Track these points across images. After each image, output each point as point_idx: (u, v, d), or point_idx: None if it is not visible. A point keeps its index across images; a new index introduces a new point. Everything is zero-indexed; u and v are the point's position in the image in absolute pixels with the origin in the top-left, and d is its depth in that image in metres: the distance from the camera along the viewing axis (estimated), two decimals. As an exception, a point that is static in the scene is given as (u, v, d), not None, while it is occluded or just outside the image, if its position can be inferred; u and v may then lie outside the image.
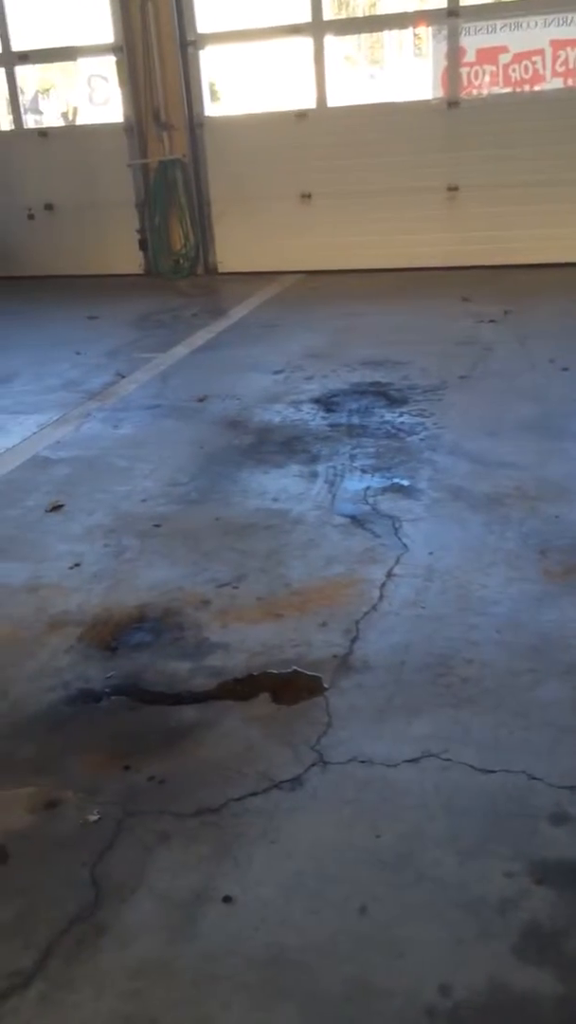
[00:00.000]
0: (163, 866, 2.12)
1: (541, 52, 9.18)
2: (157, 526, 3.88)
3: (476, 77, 9.17)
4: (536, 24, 9.01)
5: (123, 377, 6.17)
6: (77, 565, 3.58)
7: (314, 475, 4.28)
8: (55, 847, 2.21)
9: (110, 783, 2.40)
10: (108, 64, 9.68)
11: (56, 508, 4.12)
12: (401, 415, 4.99)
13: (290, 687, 2.76)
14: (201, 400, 5.50)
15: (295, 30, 8.84)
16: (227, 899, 2.02)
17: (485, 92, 9.09)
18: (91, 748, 2.55)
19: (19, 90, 10.12)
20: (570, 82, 9.19)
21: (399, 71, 12.50)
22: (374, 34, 12.03)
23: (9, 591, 3.43)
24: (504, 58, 9.26)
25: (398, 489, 4.06)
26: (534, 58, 9.18)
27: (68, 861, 2.16)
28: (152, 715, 2.69)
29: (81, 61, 10.43)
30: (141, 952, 1.91)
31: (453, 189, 8.71)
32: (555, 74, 9.24)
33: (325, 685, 2.75)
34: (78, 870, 2.13)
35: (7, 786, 2.41)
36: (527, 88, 9.16)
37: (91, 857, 2.16)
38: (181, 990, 1.83)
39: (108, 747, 2.55)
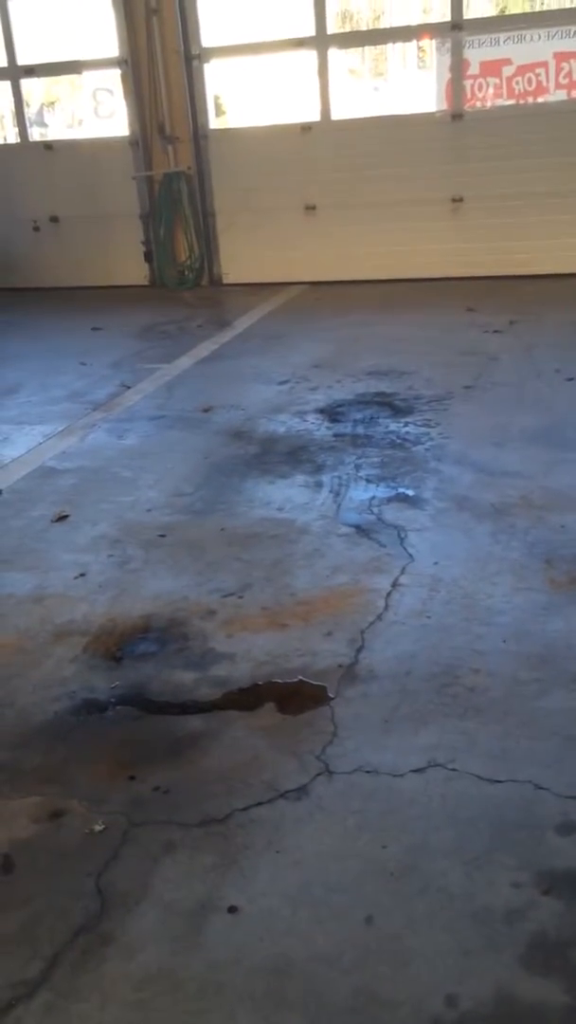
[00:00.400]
0: (168, 876, 2.12)
1: (545, 64, 9.25)
2: (162, 536, 3.89)
3: (480, 89, 9.23)
4: (539, 37, 9.07)
5: (128, 388, 6.19)
6: (82, 575, 3.59)
7: (319, 485, 4.28)
8: (60, 857, 2.20)
9: (115, 793, 2.40)
10: (113, 77, 9.75)
11: (61, 518, 4.13)
12: (406, 425, 5.00)
13: (295, 697, 2.76)
14: (206, 411, 5.51)
15: (299, 44, 8.90)
16: (232, 909, 2.02)
17: (489, 104, 9.14)
18: (96, 758, 2.55)
19: (24, 103, 10.20)
20: (574, 94, 9.24)
21: (403, 84, 12.56)
22: (378, 47, 12.10)
23: (15, 601, 3.43)
24: (508, 70, 9.32)
25: (403, 499, 4.06)
26: (537, 70, 9.24)
27: (73, 871, 2.15)
28: (157, 725, 2.68)
29: (86, 74, 10.51)
30: (146, 962, 1.91)
31: (458, 200, 8.75)
32: (558, 86, 9.30)
33: (330, 695, 2.75)
34: (83, 880, 2.12)
35: (13, 796, 2.41)
36: (531, 100, 9.22)
37: (96, 867, 2.15)
38: (186, 1000, 1.82)
39: (113, 757, 2.55)
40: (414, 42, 11.04)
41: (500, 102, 9.18)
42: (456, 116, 8.71)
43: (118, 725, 2.70)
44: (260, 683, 2.83)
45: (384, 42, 11.31)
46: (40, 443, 5.21)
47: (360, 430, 4.98)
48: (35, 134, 10.59)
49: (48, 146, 10.23)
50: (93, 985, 1.86)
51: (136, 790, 2.40)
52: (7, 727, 2.70)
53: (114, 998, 1.83)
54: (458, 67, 8.73)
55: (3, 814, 2.35)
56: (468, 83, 8.99)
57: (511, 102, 9.20)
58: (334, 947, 1.91)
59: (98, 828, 2.27)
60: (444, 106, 9.04)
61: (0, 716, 2.75)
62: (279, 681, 2.83)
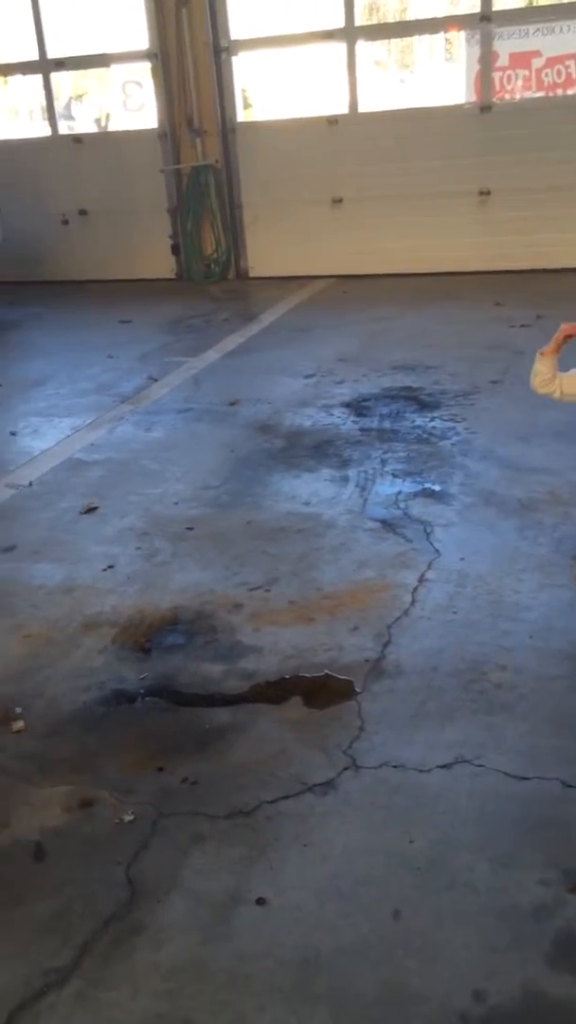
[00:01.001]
0: (197, 867, 2.14)
1: (574, 56, 9.13)
2: (189, 529, 3.91)
3: (509, 81, 9.12)
4: (569, 28, 8.95)
5: (155, 381, 6.21)
6: (111, 567, 3.62)
7: (345, 479, 4.29)
8: (91, 846, 2.23)
9: (144, 784, 2.42)
10: (142, 70, 9.76)
11: (90, 510, 4.16)
12: (432, 420, 4.98)
13: (322, 691, 2.77)
14: (232, 404, 5.52)
15: (328, 36, 8.87)
16: (260, 901, 2.03)
17: (518, 96, 9.04)
18: (125, 748, 2.58)
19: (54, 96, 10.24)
20: (604, 86, 9.12)
21: (429, 76, 12.47)
22: (404, 40, 12.01)
23: (45, 592, 3.47)
24: (537, 62, 9.20)
25: (430, 494, 4.06)
26: (567, 62, 9.11)
27: (104, 860, 2.18)
28: (186, 717, 2.71)
29: (115, 68, 10.52)
30: (176, 952, 1.93)
31: (485, 193, 8.69)
32: (589, 78, 9.17)
33: (357, 689, 2.76)
34: (113, 869, 2.15)
35: (44, 784, 2.44)
36: (560, 92, 9.10)
37: (126, 857, 2.18)
38: (215, 991, 1.84)
39: (142, 748, 2.58)
40: (441, 34, 10.93)
41: (529, 94, 9.07)
42: (485, 108, 8.64)
43: (147, 716, 2.73)
44: (287, 676, 2.84)
45: (413, 34, 11.21)
46: (68, 435, 5.25)
47: (386, 424, 4.98)
48: (63, 127, 10.61)
49: (77, 139, 10.27)
50: (123, 974, 1.89)
51: (165, 781, 2.43)
52: (38, 717, 2.74)
53: (144, 987, 1.86)
54: (487, 59, 8.65)
55: (35, 802, 2.38)
56: (497, 75, 8.90)
57: (540, 94, 9.09)
58: (361, 940, 1.93)
59: (128, 818, 2.30)
60: (472, 98, 8.96)
61: (31, 706, 2.78)
62: (306, 675, 2.84)
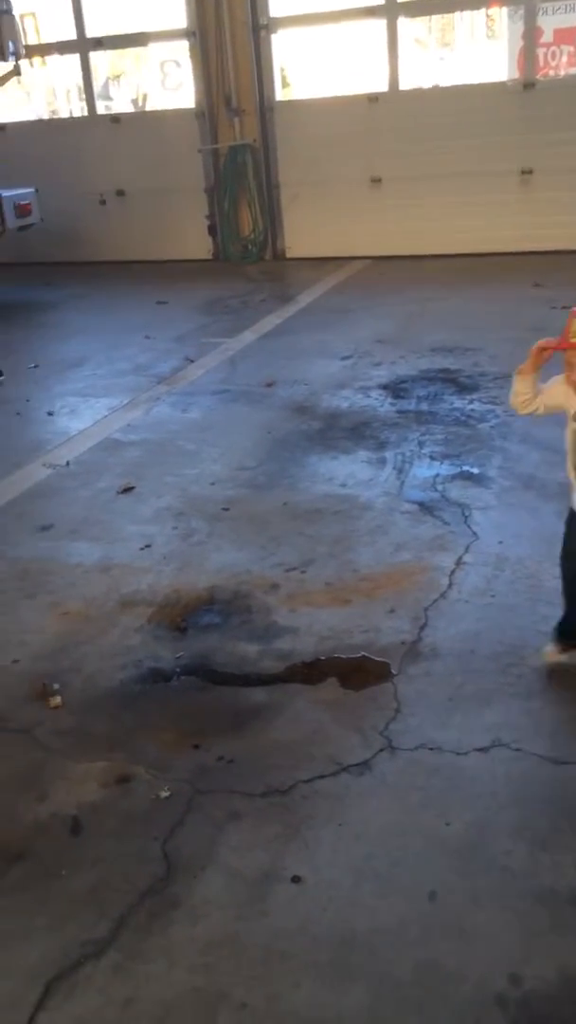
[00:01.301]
0: (233, 844, 2.15)
1: (621, 31, 8.94)
2: (225, 510, 3.91)
3: (553, 58, 8.96)
4: (616, 2, 8.77)
5: (192, 362, 6.21)
6: (148, 546, 3.63)
7: (382, 461, 4.26)
8: (127, 821, 2.25)
9: (180, 761, 2.43)
10: (180, 49, 9.71)
11: (127, 490, 4.18)
12: (471, 402, 4.93)
13: (358, 672, 2.76)
14: (269, 385, 5.51)
15: (369, 12, 8.75)
16: (296, 879, 2.04)
17: (562, 73, 8.88)
18: (162, 726, 2.59)
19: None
20: None
21: (469, 54, 12.27)
22: (444, 17, 11.83)
23: (82, 570, 3.49)
24: (583, 38, 9.02)
25: (468, 477, 4.02)
26: (614, 38, 8.93)
27: (140, 835, 2.20)
28: (221, 696, 2.71)
29: (152, 47, 10.48)
30: (212, 927, 1.94)
31: (527, 172, 8.55)
32: None
33: (393, 671, 2.74)
34: (150, 844, 2.16)
35: (81, 759, 2.47)
36: (606, 68, 8.93)
37: (162, 832, 2.19)
38: (251, 967, 1.85)
39: (178, 726, 2.59)
40: (483, 10, 10.74)
41: (574, 71, 8.91)
42: (528, 85, 8.50)
43: (183, 695, 2.74)
44: (323, 658, 2.84)
45: (455, 10, 11.03)
46: (106, 415, 5.27)
47: (424, 407, 4.93)
48: (100, 107, 10.60)
49: (115, 119, 10.26)
50: (160, 947, 1.91)
51: (201, 759, 2.44)
52: (75, 693, 2.76)
53: (180, 961, 1.87)
54: (531, 35, 8.50)
55: (72, 777, 2.40)
56: (541, 51, 8.75)
57: (586, 70, 8.93)
58: (397, 921, 1.92)
59: (164, 794, 2.31)
60: (516, 75, 8.80)
61: (68, 682, 2.81)
62: (342, 656, 2.84)
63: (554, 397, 2.48)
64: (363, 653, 2.84)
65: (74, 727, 2.62)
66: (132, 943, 1.92)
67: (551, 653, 2.69)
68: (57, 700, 2.72)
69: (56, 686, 2.78)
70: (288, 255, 9.69)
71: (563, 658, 2.67)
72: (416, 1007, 1.75)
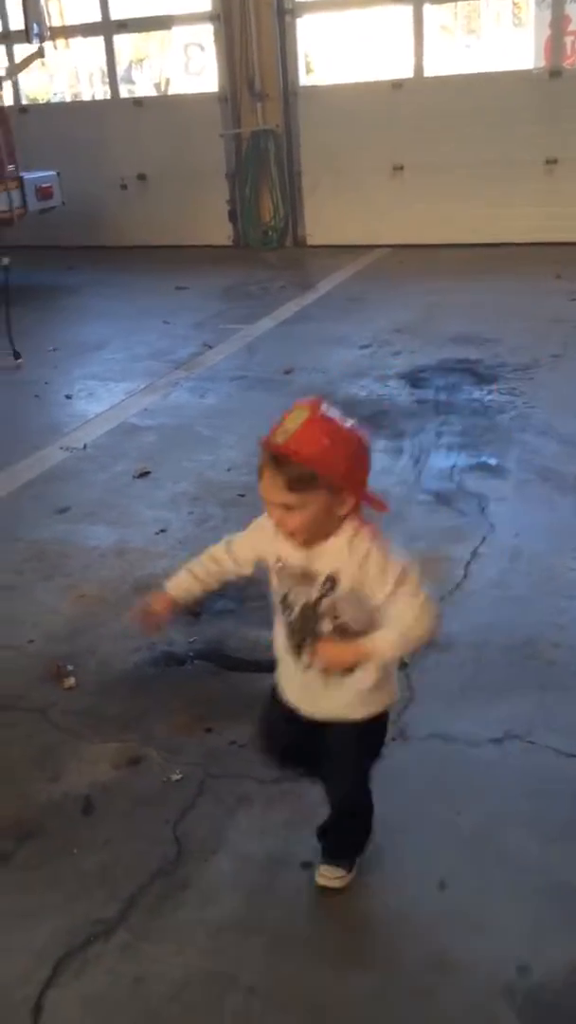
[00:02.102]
0: (243, 828, 2.15)
1: None
2: (242, 496, 3.90)
3: (581, 46, 8.86)
4: None
5: (210, 348, 6.20)
6: (163, 531, 3.64)
7: (400, 451, 4.24)
8: (138, 803, 2.26)
9: (192, 744, 2.44)
10: (204, 33, 9.65)
11: (143, 475, 4.18)
12: (490, 393, 4.90)
13: (372, 661, 2.75)
14: (287, 372, 5.49)
15: (395, -2, 8.67)
16: (306, 865, 2.04)
17: (589, 61, 8.78)
18: (174, 709, 2.60)
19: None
20: None
21: (495, 41, 12.16)
22: (471, 3, 11.73)
23: (98, 553, 3.50)
24: (611, 26, 8.91)
25: (485, 468, 4.00)
26: None
27: (151, 817, 2.20)
28: (234, 680, 2.72)
29: (176, 30, 10.43)
30: (221, 911, 1.95)
31: (552, 162, 8.47)
32: None
33: (406, 661, 2.73)
34: (161, 827, 2.17)
35: (94, 740, 2.48)
36: None
37: (173, 815, 2.20)
38: (261, 951, 1.85)
39: (190, 709, 2.59)
40: (511, -3, 10.66)
41: (601, 60, 8.83)
42: (554, 74, 8.40)
43: (196, 679, 2.74)
44: (337, 645, 2.82)
45: (481, -3, 10.97)
46: (123, 400, 5.27)
47: (442, 397, 4.91)
48: (123, 91, 10.57)
49: (138, 102, 10.23)
50: (169, 929, 1.91)
51: (212, 743, 2.44)
52: (89, 674, 2.77)
53: (190, 943, 1.88)
54: (558, 23, 8.40)
55: (85, 757, 2.42)
56: (568, 40, 8.65)
57: (613, 60, 8.84)
58: (407, 909, 1.92)
59: (175, 777, 2.32)
60: (542, 63, 8.71)
61: (83, 664, 2.82)
62: (356, 644, 2.82)
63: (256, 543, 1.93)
64: (377, 642, 2.83)
65: (88, 708, 2.63)
66: (141, 923, 1.93)
67: None
68: (71, 681, 2.73)
69: (70, 667, 2.79)
70: (309, 242, 9.64)
71: None
72: (424, 994, 1.75)
